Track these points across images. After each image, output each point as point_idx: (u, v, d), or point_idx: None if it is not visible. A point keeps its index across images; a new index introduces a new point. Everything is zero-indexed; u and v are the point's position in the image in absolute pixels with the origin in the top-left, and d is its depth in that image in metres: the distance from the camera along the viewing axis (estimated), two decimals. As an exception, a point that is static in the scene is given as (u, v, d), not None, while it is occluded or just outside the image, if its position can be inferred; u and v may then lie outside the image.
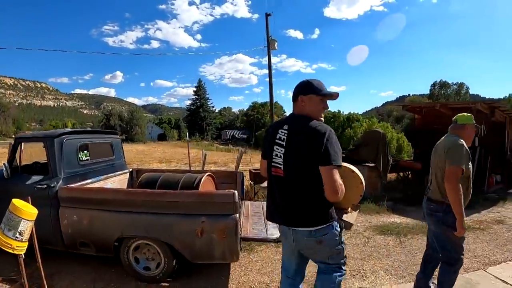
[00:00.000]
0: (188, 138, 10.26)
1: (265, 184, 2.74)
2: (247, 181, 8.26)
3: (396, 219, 5.62)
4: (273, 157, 1.88)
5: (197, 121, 64.70)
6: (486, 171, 8.05)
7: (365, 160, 7.59)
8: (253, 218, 3.99)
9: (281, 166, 1.85)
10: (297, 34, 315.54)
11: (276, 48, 15.24)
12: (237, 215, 2.90)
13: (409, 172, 9.30)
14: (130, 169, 4.86)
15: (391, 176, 9.22)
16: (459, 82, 57.92)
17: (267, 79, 15.61)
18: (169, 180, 3.91)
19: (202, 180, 3.82)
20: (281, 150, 1.84)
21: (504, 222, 5.56)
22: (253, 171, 7.54)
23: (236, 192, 2.89)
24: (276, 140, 1.87)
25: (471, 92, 51.96)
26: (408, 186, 8.14)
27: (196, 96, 69.20)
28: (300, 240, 1.86)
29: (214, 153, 25.10)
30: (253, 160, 18.21)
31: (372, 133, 8.15)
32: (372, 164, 7.37)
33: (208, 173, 4.16)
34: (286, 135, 1.84)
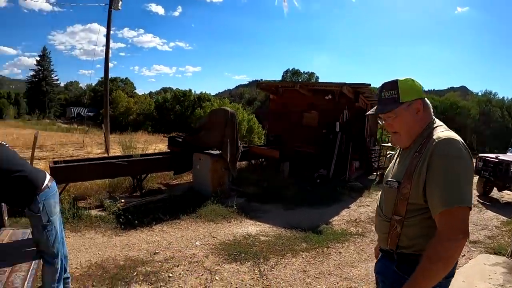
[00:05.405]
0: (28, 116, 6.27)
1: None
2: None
3: (251, 227, 4.58)
4: None
5: (39, 96, 52.25)
6: (348, 158, 8.02)
7: (209, 147, 6.10)
8: None
9: None
10: (159, 10, 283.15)
11: (120, 8, 12.47)
12: None
13: (263, 160, 8.46)
14: None
15: (241, 164, 7.99)
16: (310, 72, 61.95)
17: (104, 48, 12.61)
18: None
19: None
20: None
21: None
22: (54, 165, 4.92)
23: None
24: None
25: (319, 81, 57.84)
26: (262, 177, 7.13)
27: (39, 67, 55.04)
28: None
29: (52, 133, 19.38)
30: (90, 142, 14.01)
31: (218, 112, 6.36)
32: (217, 152, 5.92)
33: None
34: None
